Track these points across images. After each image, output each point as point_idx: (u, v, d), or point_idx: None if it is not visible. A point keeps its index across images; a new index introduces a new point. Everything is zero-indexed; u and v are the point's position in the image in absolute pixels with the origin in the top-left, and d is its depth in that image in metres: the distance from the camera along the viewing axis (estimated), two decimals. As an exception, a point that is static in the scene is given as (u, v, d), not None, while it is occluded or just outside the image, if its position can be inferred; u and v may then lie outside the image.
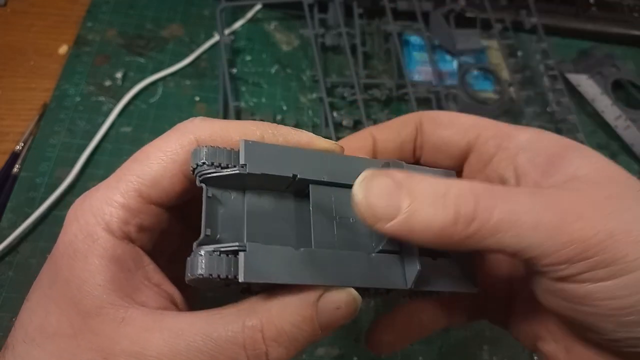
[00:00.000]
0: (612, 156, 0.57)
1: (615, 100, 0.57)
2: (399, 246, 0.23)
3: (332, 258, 0.22)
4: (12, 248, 0.41)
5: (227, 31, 0.57)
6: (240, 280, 0.19)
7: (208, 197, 0.22)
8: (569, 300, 0.21)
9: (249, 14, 0.60)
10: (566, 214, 0.20)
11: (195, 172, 0.22)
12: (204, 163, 0.21)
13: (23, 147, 0.47)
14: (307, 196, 0.23)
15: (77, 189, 0.45)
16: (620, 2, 0.66)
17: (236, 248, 0.20)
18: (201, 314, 0.21)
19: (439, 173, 0.27)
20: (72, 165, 0.45)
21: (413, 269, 0.23)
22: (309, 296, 0.21)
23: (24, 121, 0.48)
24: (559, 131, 0.57)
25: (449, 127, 0.28)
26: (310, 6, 0.57)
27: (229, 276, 0.20)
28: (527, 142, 0.26)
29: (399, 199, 0.20)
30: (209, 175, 0.21)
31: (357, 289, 0.22)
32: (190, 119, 0.24)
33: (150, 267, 0.23)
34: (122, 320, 0.20)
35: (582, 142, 0.55)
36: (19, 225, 0.42)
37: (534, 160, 0.25)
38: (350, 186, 0.22)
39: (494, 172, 0.27)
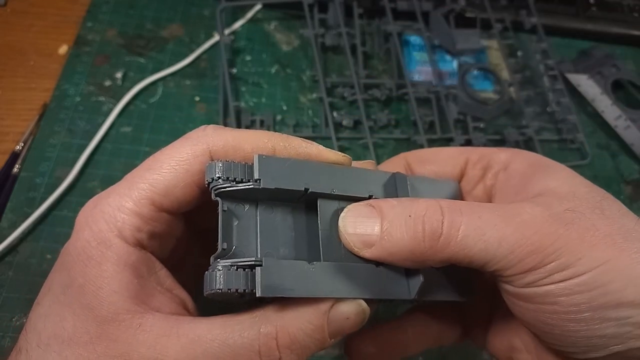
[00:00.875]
0: (612, 156, 0.57)
1: (615, 100, 0.57)
2: None
3: (342, 271, 0.23)
4: (12, 248, 0.41)
5: (227, 31, 0.57)
6: (257, 295, 0.20)
7: (223, 210, 0.22)
8: (532, 302, 0.23)
9: (249, 14, 0.60)
10: (526, 228, 0.22)
11: (211, 186, 0.22)
12: (219, 177, 0.22)
13: (23, 147, 0.47)
14: (317, 207, 0.24)
15: (77, 189, 0.45)
16: (620, 2, 0.66)
17: (252, 263, 0.21)
18: (217, 320, 0.21)
19: (440, 184, 0.29)
20: (72, 165, 0.45)
21: (417, 280, 0.24)
22: (321, 307, 0.22)
23: (24, 121, 0.48)
24: (559, 131, 0.57)
25: (435, 162, 0.30)
26: (310, 6, 0.57)
27: (246, 290, 0.21)
28: (504, 163, 0.28)
29: (373, 226, 0.23)
30: (224, 190, 0.22)
31: (365, 299, 0.23)
32: (203, 127, 0.24)
33: (162, 272, 0.24)
34: (139, 327, 0.21)
35: (582, 142, 0.55)
36: (19, 225, 0.42)
37: (508, 182, 0.28)
38: (357, 199, 0.24)
39: (481, 192, 0.29)
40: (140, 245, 0.23)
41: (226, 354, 0.20)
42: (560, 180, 0.25)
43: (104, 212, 0.23)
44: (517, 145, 0.54)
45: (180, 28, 0.58)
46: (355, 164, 0.27)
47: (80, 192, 0.45)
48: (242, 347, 0.21)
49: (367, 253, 0.23)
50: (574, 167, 0.54)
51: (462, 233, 0.22)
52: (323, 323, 0.22)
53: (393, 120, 0.54)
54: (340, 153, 0.26)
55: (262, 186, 0.22)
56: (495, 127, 0.56)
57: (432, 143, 0.53)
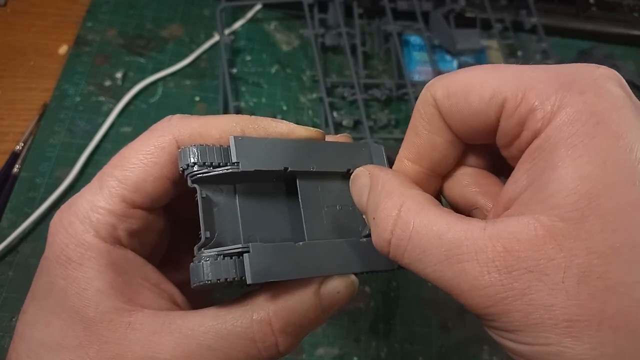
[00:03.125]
0: (612, 156, 0.57)
1: (615, 100, 0.57)
2: None
3: (328, 249, 0.22)
4: (12, 248, 0.41)
5: (227, 31, 0.57)
6: (248, 283, 0.20)
7: (202, 197, 0.22)
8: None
9: (249, 14, 0.60)
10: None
11: (186, 173, 0.22)
12: (194, 163, 0.21)
13: (23, 147, 0.47)
14: (296, 185, 0.24)
15: (77, 189, 0.45)
16: (620, 2, 0.66)
17: (240, 250, 0.20)
18: (208, 312, 0.21)
19: None
20: (72, 165, 0.45)
21: None
22: (311, 286, 0.22)
23: (24, 121, 0.48)
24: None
25: (466, 97, 0.21)
26: (310, 6, 0.57)
27: (236, 279, 0.20)
28: (545, 119, 0.19)
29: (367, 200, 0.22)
30: (201, 176, 0.21)
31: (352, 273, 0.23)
32: (168, 117, 0.24)
33: (146, 268, 0.23)
34: (129, 325, 0.20)
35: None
36: (19, 225, 0.42)
37: (533, 159, 0.19)
38: (335, 174, 0.24)
39: (516, 152, 0.20)
40: (119, 243, 0.22)
41: (221, 345, 0.20)
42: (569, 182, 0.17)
43: (77, 213, 0.22)
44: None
45: (180, 28, 0.58)
46: (330, 138, 0.26)
47: (80, 192, 0.45)
48: (236, 337, 0.20)
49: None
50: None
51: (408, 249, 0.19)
52: (315, 301, 0.22)
53: (393, 120, 0.54)
54: (312, 128, 0.25)
55: (241, 169, 0.21)
56: (495, 127, 0.56)
57: (432, 143, 0.53)
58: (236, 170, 0.21)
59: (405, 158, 0.24)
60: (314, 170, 0.24)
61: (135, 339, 0.20)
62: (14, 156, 0.46)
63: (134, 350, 0.20)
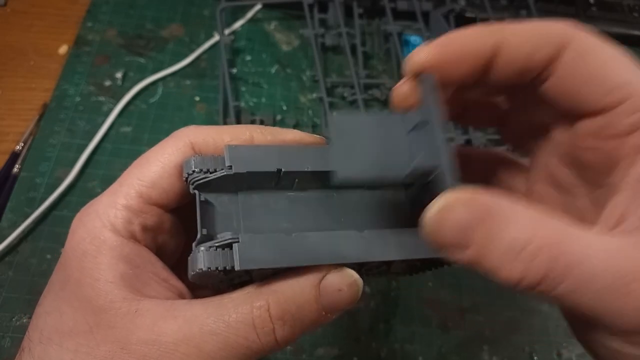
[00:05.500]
0: (612, 156, 0.57)
1: (615, 100, 0.57)
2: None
3: (325, 239, 0.22)
4: (12, 248, 0.41)
5: (227, 31, 0.57)
6: (236, 269, 0.20)
7: (201, 201, 0.23)
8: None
9: (249, 14, 0.60)
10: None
11: (188, 180, 0.23)
12: (194, 171, 0.23)
13: (23, 147, 0.47)
14: (298, 190, 0.25)
15: (77, 189, 0.45)
16: (620, 2, 0.66)
17: (230, 241, 0.21)
18: (212, 300, 0.22)
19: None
20: (72, 165, 0.45)
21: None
22: (311, 279, 0.22)
23: (24, 121, 0.48)
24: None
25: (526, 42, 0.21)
26: (310, 6, 0.57)
27: (227, 267, 0.21)
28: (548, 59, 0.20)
29: (469, 240, 0.18)
30: (200, 181, 0.23)
31: (357, 271, 0.23)
32: (186, 126, 0.26)
33: (157, 264, 0.24)
34: (136, 312, 0.21)
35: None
36: (19, 225, 0.42)
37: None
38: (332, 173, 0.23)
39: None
40: (133, 237, 0.24)
41: (222, 330, 0.21)
42: None
43: (97, 211, 0.23)
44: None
45: (180, 28, 0.58)
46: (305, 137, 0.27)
47: (80, 192, 0.45)
48: (237, 322, 0.21)
49: (455, 257, 0.19)
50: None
51: (563, 287, 0.17)
52: (315, 294, 0.22)
53: (393, 120, 0.54)
54: (317, 136, 0.26)
55: (234, 171, 0.23)
56: (495, 127, 0.56)
57: (432, 143, 0.53)
58: (229, 173, 0.23)
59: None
60: (309, 169, 0.24)
61: (141, 324, 0.21)
62: (14, 156, 0.46)
63: (138, 334, 0.21)
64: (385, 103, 0.56)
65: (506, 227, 0.18)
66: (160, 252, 0.26)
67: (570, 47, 0.21)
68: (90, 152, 0.47)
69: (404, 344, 0.42)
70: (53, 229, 0.43)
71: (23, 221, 0.42)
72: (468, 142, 0.53)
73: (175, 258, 0.27)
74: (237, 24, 0.59)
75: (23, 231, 0.42)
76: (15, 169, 0.45)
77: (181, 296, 0.24)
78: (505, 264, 0.18)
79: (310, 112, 0.54)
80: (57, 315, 0.22)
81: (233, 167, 0.23)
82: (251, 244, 0.21)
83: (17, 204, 0.43)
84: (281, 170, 0.23)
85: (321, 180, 0.25)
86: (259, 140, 0.25)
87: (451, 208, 0.18)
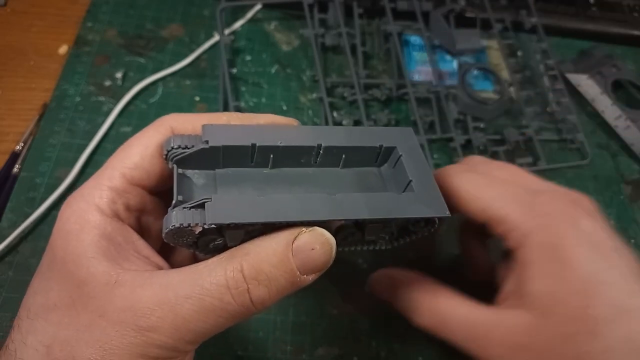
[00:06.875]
0: (612, 156, 0.57)
1: (615, 100, 0.57)
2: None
3: (296, 200, 0.23)
4: (12, 248, 0.41)
5: (227, 31, 0.57)
6: (207, 223, 0.21)
7: (179, 173, 0.24)
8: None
9: (249, 14, 0.60)
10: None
11: (167, 156, 0.25)
12: (172, 147, 0.24)
13: (23, 147, 0.47)
14: (274, 167, 0.26)
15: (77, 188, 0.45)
16: (620, 2, 0.66)
17: (203, 201, 0.22)
18: (188, 267, 0.23)
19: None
20: (72, 165, 0.45)
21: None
22: (283, 238, 0.22)
23: (24, 121, 0.48)
24: (559, 131, 0.57)
25: (468, 204, 0.32)
26: (310, 6, 0.57)
27: (198, 224, 0.22)
28: (518, 242, 0.30)
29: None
30: (179, 156, 0.24)
31: (334, 234, 0.24)
32: (168, 114, 0.27)
33: (139, 242, 0.25)
34: (115, 282, 0.22)
35: (582, 142, 0.55)
36: (19, 225, 0.42)
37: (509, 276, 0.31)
38: (306, 148, 0.26)
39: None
40: (117, 216, 0.25)
41: (196, 293, 0.21)
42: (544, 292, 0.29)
43: (83, 193, 0.25)
44: (517, 145, 0.54)
45: (180, 28, 0.58)
46: (279, 120, 0.29)
47: (80, 192, 0.45)
48: (211, 284, 0.21)
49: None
50: (574, 168, 0.54)
51: None
52: (287, 253, 0.22)
53: (393, 120, 0.54)
54: (290, 118, 0.28)
55: (209, 145, 0.24)
56: (495, 127, 0.56)
57: (432, 143, 0.53)
58: (205, 147, 0.24)
59: None
60: (281, 145, 0.25)
61: (119, 293, 0.21)
62: (14, 156, 0.46)
63: (116, 302, 0.21)
64: (385, 103, 0.56)
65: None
66: (145, 233, 0.27)
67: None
68: (90, 152, 0.47)
69: (404, 344, 0.42)
70: (53, 228, 0.43)
71: (23, 221, 0.42)
72: (468, 141, 0.53)
73: (160, 241, 0.28)
74: (237, 24, 0.59)
75: (23, 231, 0.42)
76: (15, 169, 0.45)
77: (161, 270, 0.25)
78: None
79: (310, 112, 0.54)
80: (44, 293, 0.23)
81: (209, 142, 0.24)
82: (222, 201, 0.22)
83: (17, 204, 0.43)
84: (255, 145, 0.25)
85: (296, 158, 0.26)
86: (235, 123, 0.27)
87: None
